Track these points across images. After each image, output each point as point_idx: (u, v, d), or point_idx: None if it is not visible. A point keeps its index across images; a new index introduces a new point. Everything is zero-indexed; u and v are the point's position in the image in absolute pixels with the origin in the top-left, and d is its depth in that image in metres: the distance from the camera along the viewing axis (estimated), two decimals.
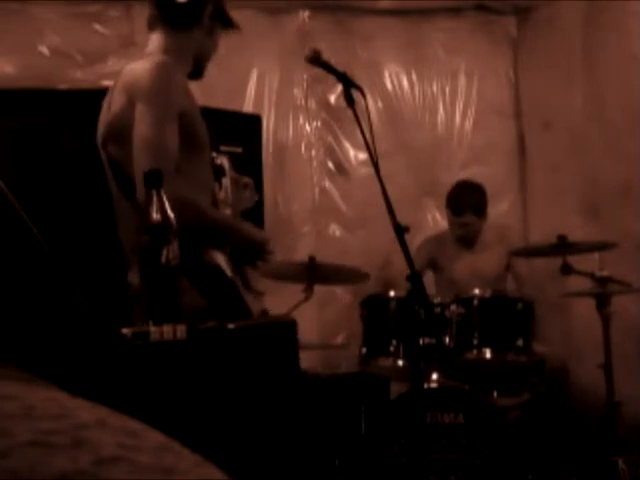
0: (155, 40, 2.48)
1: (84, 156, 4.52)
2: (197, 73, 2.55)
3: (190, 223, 2.21)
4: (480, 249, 4.25)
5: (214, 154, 2.54)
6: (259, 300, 2.49)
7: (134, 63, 2.38)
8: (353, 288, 4.54)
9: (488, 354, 3.46)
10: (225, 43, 2.65)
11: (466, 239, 4.23)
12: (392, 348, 3.51)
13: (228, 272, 2.31)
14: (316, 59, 2.68)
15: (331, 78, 2.77)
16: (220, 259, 2.29)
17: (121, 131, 2.26)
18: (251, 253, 2.47)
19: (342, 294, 4.72)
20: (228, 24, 2.58)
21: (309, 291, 3.69)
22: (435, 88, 5.01)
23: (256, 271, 2.54)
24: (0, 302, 0.48)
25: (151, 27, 2.51)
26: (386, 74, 4.96)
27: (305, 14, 4.88)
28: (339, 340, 4.74)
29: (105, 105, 2.42)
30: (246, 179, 2.70)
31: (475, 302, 3.53)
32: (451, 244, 4.28)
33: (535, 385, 3.81)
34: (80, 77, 4.44)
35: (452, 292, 3.74)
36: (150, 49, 2.47)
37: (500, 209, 4.89)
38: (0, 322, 0.47)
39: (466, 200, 4.14)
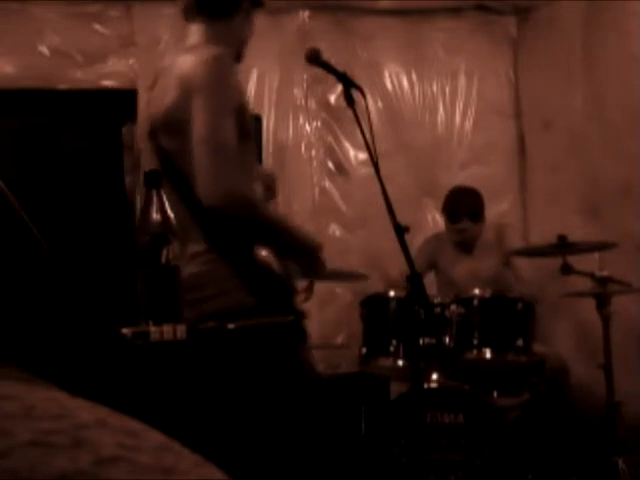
0: (196, 31, 2.42)
1: (84, 156, 4.53)
2: (236, 59, 2.50)
3: (246, 219, 2.19)
4: (480, 253, 4.23)
5: None
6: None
7: (184, 56, 2.33)
8: (353, 288, 4.54)
9: (488, 354, 3.46)
10: None
11: (464, 244, 4.22)
12: (392, 348, 3.51)
13: (278, 271, 2.28)
14: (315, 59, 2.68)
15: (331, 78, 2.77)
16: (271, 258, 2.26)
17: (176, 124, 2.23)
18: (304, 259, 2.38)
19: (342, 294, 4.73)
20: (259, 4, 2.56)
21: (309, 291, 3.69)
22: (435, 88, 5.01)
23: (309, 280, 2.45)
24: (0, 302, 0.48)
25: (188, 18, 2.45)
26: (386, 74, 4.96)
27: (305, 14, 4.88)
28: (339, 340, 4.74)
29: (155, 96, 2.38)
30: (269, 170, 2.68)
31: (475, 302, 3.53)
32: (450, 247, 4.27)
33: (535, 385, 3.80)
34: (80, 77, 4.44)
35: (452, 292, 3.74)
36: (193, 41, 2.42)
37: (500, 209, 4.89)
38: (0, 322, 0.47)
39: (462, 206, 4.13)
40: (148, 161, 2.41)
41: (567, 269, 3.49)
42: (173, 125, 2.26)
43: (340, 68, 2.72)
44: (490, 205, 4.31)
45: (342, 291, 4.72)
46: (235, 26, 2.47)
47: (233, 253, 2.24)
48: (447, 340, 3.51)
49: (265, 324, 2.20)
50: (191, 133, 2.19)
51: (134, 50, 4.52)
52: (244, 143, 2.27)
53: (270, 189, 2.63)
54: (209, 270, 2.24)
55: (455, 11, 5.02)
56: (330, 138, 4.88)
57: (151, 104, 2.41)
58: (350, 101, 2.63)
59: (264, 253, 2.24)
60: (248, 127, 2.32)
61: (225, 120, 2.19)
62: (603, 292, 3.45)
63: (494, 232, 4.27)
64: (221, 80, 2.25)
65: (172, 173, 2.28)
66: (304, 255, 2.36)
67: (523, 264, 4.21)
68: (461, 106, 5.02)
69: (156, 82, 2.43)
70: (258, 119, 4.58)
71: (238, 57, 2.50)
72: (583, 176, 4.53)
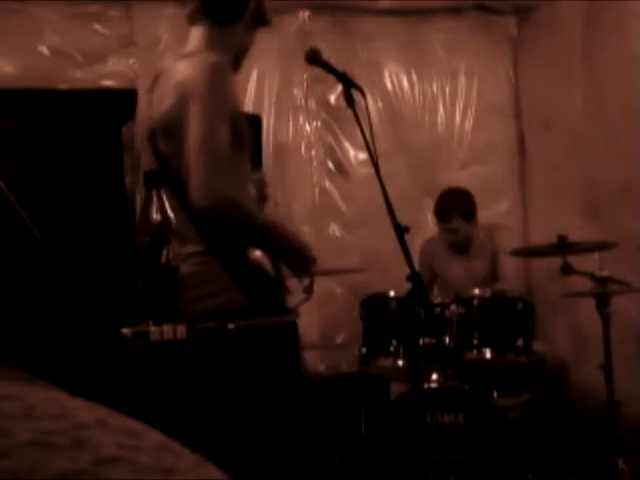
0: (197, 35, 2.46)
1: (84, 156, 4.53)
2: (234, 68, 2.52)
3: (235, 221, 2.24)
4: (475, 253, 4.21)
5: None
6: (288, 300, 2.49)
7: (183, 62, 2.38)
8: (353, 288, 4.53)
9: (488, 354, 3.46)
10: None
11: (458, 245, 4.20)
12: (392, 348, 3.51)
13: (271, 272, 2.32)
14: (315, 59, 2.68)
15: (331, 78, 2.77)
16: (263, 259, 2.30)
17: (173, 129, 2.29)
18: (294, 260, 2.42)
19: (342, 294, 4.72)
20: (265, 22, 2.58)
21: (310, 290, 3.68)
22: (435, 88, 5.01)
23: (301, 281, 2.50)
24: (0, 302, 0.48)
25: (192, 21, 2.49)
26: (386, 74, 4.96)
27: (305, 14, 4.88)
28: (339, 340, 4.74)
29: (154, 100, 2.44)
30: (260, 175, 2.71)
31: (475, 302, 3.53)
32: (444, 249, 4.25)
33: (535, 385, 3.81)
34: (80, 77, 4.44)
35: (451, 293, 3.74)
36: (194, 45, 2.45)
37: (500, 209, 4.89)
38: (0, 322, 0.47)
39: (452, 205, 4.11)
40: (148, 162, 2.45)
41: (567, 269, 3.49)
42: (170, 129, 2.32)
43: (340, 68, 2.72)
44: (490, 205, 4.30)
45: (342, 291, 4.72)
46: (237, 34, 2.49)
47: (226, 254, 2.29)
48: (447, 340, 3.51)
49: (265, 324, 2.20)
50: (186, 138, 2.24)
51: (134, 50, 4.52)
52: (238, 151, 2.32)
53: (260, 192, 2.66)
54: (202, 270, 2.30)
55: (455, 11, 5.02)
56: (330, 138, 4.88)
57: (150, 108, 2.46)
58: (350, 101, 2.63)
59: (257, 253, 2.29)
60: (242, 136, 2.37)
61: (219, 127, 2.24)
62: (603, 292, 3.45)
63: (485, 233, 4.25)
64: (218, 88, 2.29)
65: (169, 175, 2.33)
66: (294, 256, 2.41)
67: (512, 263, 4.18)
68: (461, 106, 5.02)
69: (155, 85, 2.48)
70: (258, 119, 4.58)
71: (236, 66, 2.52)
72: (583, 176, 4.53)
